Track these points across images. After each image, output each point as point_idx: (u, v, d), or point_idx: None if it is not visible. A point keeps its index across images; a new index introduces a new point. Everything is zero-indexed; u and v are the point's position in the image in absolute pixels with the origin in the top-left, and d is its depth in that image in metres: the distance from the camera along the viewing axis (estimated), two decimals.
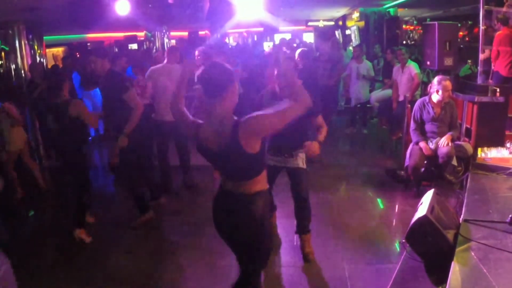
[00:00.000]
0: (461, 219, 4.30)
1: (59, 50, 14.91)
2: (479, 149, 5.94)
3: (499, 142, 6.00)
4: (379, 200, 5.98)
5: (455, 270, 3.44)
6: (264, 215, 2.87)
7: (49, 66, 10.12)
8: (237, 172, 2.83)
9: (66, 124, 4.75)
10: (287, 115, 2.59)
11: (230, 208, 2.87)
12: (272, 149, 4.35)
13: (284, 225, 5.20)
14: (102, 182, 7.63)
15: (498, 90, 6.18)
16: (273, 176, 4.45)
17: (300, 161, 4.36)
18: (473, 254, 3.64)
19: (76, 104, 4.84)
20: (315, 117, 4.25)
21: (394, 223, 5.33)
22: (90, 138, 9.60)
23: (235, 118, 2.70)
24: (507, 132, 6.30)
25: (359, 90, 9.54)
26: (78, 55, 13.89)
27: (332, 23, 19.32)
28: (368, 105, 10.06)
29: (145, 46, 16.56)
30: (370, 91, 10.45)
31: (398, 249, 4.55)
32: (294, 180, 4.44)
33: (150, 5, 9.38)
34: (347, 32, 17.05)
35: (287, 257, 4.56)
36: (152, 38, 15.83)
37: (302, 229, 4.54)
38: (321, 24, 19.20)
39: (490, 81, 7.17)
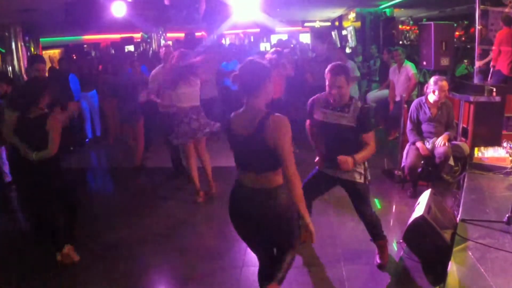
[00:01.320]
0: (458, 218, 4.33)
1: (55, 52, 14.92)
2: (476, 149, 5.98)
3: (495, 142, 6.03)
4: (376, 200, 5.98)
5: (453, 269, 3.46)
6: (290, 208, 2.89)
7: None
8: (260, 162, 2.86)
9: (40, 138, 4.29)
10: (288, 156, 2.75)
11: (252, 205, 2.89)
12: (328, 161, 4.12)
13: None
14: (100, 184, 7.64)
15: (494, 89, 6.21)
16: (323, 184, 4.34)
17: (357, 175, 4.08)
18: (470, 253, 3.66)
19: (52, 119, 4.35)
20: (366, 133, 3.97)
21: (391, 223, 5.33)
22: (87, 140, 9.60)
23: (265, 110, 2.85)
24: (504, 132, 6.32)
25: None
26: (74, 57, 13.89)
27: (328, 23, 19.35)
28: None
29: (141, 48, 16.58)
30: (367, 92, 10.46)
31: (395, 249, 4.55)
32: (353, 195, 4.25)
33: (146, 7, 9.38)
34: (344, 32, 17.06)
35: None
36: (148, 40, 15.85)
37: (375, 237, 4.33)
38: (317, 24, 19.23)
39: (489, 80, 7.20)
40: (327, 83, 3.95)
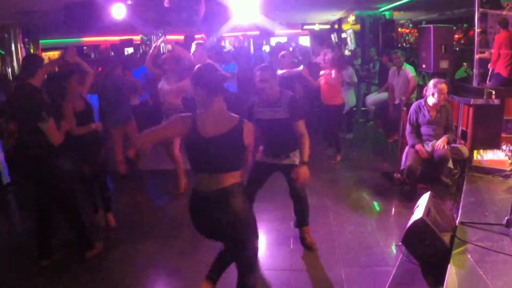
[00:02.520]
0: (457, 221, 4.31)
1: (55, 54, 14.89)
2: (475, 152, 5.97)
3: (495, 145, 6.03)
4: (375, 203, 5.98)
5: (452, 272, 3.44)
6: (245, 206, 3.09)
7: None
8: (224, 161, 2.99)
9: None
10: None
11: (210, 206, 2.98)
12: (269, 150, 4.54)
13: (280, 229, 5.19)
14: None
15: (493, 92, 6.20)
16: (265, 173, 4.66)
17: (296, 158, 4.45)
18: (469, 256, 3.65)
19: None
20: (296, 122, 4.29)
21: (390, 226, 5.33)
22: None
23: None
24: (503, 135, 6.32)
25: (346, 96, 9.46)
26: None
27: (328, 26, 19.36)
28: (362, 108, 10.06)
29: (141, 50, 16.56)
30: (366, 95, 10.46)
31: (394, 252, 4.55)
32: (291, 176, 4.44)
33: (146, 9, 9.39)
34: (343, 35, 17.09)
35: (283, 260, 4.55)
36: (148, 42, 15.84)
37: (301, 222, 4.71)
38: (316, 27, 19.24)
39: (488, 83, 7.20)
40: (257, 80, 4.34)
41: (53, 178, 4.42)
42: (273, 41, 17.90)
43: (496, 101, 6.15)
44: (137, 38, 16.99)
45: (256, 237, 3.25)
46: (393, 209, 5.90)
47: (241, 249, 3.14)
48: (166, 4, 8.73)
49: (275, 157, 4.51)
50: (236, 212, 2.97)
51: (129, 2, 8.42)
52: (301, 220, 4.70)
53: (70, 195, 4.59)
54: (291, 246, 4.77)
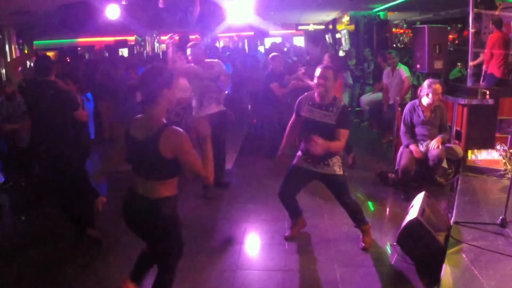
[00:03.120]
0: (452, 221, 4.34)
1: (49, 55, 14.85)
2: (469, 152, 6.01)
3: (489, 144, 6.07)
4: (370, 203, 5.98)
5: (447, 272, 3.46)
6: (171, 220, 3.01)
7: None
8: (150, 170, 2.90)
9: None
10: (195, 163, 2.87)
11: (139, 213, 2.96)
12: (307, 155, 4.42)
13: (274, 229, 5.18)
14: None
15: (488, 92, 6.24)
16: (303, 180, 4.61)
17: (336, 168, 4.38)
18: (464, 256, 3.67)
19: None
20: (340, 128, 4.23)
21: (385, 226, 5.33)
22: None
23: (164, 121, 2.88)
24: (497, 134, 6.36)
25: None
26: (68, 60, 13.83)
27: (322, 26, 19.38)
28: (357, 109, 10.08)
29: (135, 51, 16.55)
30: (360, 95, 10.48)
31: (389, 251, 4.55)
32: (334, 187, 4.50)
33: (140, 10, 9.37)
34: (337, 35, 17.11)
35: (278, 261, 4.53)
36: (142, 43, 15.82)
37: (358, 224, 4.66)
38: (311, 28, 19.26)
39: (481, 83, 7.24)
40: (315, 81, 4.26)
41: (74, 168, 4.85)
42: (268, 41, 17.92)
43: (490, 101, 6.18)
44: (131, 38, 16.95)
45: (177, 246, 3.19)
46: (387, 209, 5.90)
47: (160, 254, 3.17)
48: (160, 5, 8.73)
49: (313, 164, 4.40)
50: (159, 224, 2.96)
51: (124, 3, 8.40)
52: (357, 222, 4.63)
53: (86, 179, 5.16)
54: (286, 247, 4.75)
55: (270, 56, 8.07)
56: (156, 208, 2.89)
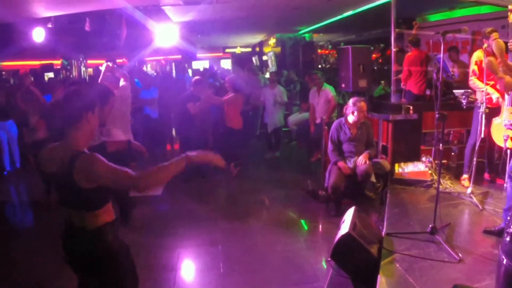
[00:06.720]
0: (383, 233, 4.37)
1: None
2: (396, 165, 6.16)
3: (415, 157, 6.27)
4: (302, 221, 5.97)
5: (382, 282, 3.46)
6: (115, 250, 2.65)
7: None
8: (74, 202, 2.58)
9: None
10: (119, 178, 2.45)
11: (75, 246, 2.62)
12: None
13: (208, 253, 5.03)
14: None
15: (411, 108, 6.46)
16: None
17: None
18: (398, 265, 3.69)
19: None
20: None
21: (319, 242, 5.32)
22: (5, 172, 8.83)
23: (78, 150, 2.52)
24: (422, 147, 6.61)
25: (275, 116, 9.57)
26: None
27: (249, 49, 19.65)
28: (284, 129, 10.17)
29: (61, 75, 16.01)
30: (288, 115, 10.59)
31: (325, 267, 4.52)
32: None
33: (66, 33, 9.10)
34: (264, 57, 17.38)
35: (215, 285, 4.37)
36: (68, 67, 15.36)
37: None
38: (238, 50, 19.47)
39: (403, 100, 7.50)
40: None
41: None
42: (195, 64, 17.88)
43: (414, 116, 6.41)
44: (57, 62, 16.37)
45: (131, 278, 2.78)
46: (320, 226, 5.91)
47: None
48: (87, 28, 8.47)
49: None
50: (95, 256, 2.58)
51: (49, 26, 8.11)
52: None
53: None
54: (221, 270, 4.62)
55: (193, 80, 8.02)
56: (94, 239, 2.56)
